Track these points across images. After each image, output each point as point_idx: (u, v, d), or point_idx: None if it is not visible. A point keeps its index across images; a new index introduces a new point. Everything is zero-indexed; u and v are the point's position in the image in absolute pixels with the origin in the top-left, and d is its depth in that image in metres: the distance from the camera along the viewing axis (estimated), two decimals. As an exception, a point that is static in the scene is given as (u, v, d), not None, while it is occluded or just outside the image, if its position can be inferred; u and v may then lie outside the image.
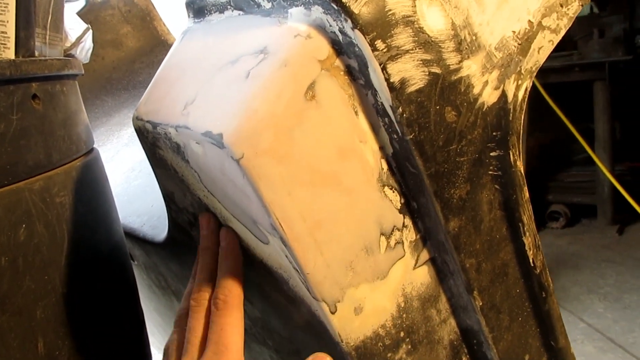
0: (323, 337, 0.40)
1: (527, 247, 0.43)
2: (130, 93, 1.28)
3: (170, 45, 1.34)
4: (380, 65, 0.34)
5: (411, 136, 0.36)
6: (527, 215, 0.42)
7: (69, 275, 0.46)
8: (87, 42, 0.65)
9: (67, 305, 0.46)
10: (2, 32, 0.47)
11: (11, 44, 0.48)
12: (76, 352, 0.47)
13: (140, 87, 1.29)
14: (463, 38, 0.38)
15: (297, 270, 0.37)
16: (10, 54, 0.48)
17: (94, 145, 0.57)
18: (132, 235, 0.67)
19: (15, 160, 0.42)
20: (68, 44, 0.62)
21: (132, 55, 1.31)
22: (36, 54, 0.50)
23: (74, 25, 0.63)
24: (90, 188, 0.52)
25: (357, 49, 0.35)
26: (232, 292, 0.39)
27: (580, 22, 3.00)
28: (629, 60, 2.93)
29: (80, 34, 0.63)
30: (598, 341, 2.22)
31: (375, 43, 0.34)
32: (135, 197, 0.77)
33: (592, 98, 3.14)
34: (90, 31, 0.65)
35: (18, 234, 0.41)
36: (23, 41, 0.48)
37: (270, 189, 0.34)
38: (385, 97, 0.35)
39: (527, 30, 0.41)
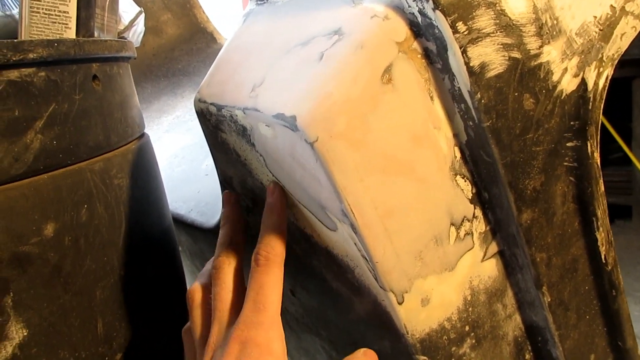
0: (385, 329, 0.39)
1: (599, 243, 0.41)
2: (170, 80, 1.28)
3: (209, 33, 1.34)
4: (460, 48, 0.33)
5: (488, 123, 0.35)
6: (601, 210, 0.41)
7: (125, 258, 0.46)
8: (139, 26, 0.65)
9: (124, 287, 0.46)
10: (64, 12, 0.47)
11: (72, 24, 0.47)
12: (131, 335, 0.46)
13: (179, 74, 1.30)
14: (544, 22, 0.36)
15: (365, 259, 0.36)
16: (71, 33, 0.47)
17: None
18: (178, 221, 0.67)
19: (77, 141, 0.42)
20: (121, 27, 0.62)
21: (172, 43, 1.31)
22: (95, 34, 0.50)
23: (127, 8, 0.63)
24: (144, 172, 0.52)
25: (436, 31, 0.33)
26: (275, 250, 0.38)
27: (621, 17, 2.90)
28: (672, 57, 2.83)
29: (133, 17, 0.63)
30: (633, 345, 2.16)
31: (457, 25, 0.33)
32: (180, 183, 0.77)
33: (631, 96, 3.06)
34: (143, 14, 0.64)
35: (80, 214, 0.41)
36: (84, 21, 0.48)
37: (343, 174, 0.33)
38: (463, 81, 0.34)
39: (609, 16, 0.39)
